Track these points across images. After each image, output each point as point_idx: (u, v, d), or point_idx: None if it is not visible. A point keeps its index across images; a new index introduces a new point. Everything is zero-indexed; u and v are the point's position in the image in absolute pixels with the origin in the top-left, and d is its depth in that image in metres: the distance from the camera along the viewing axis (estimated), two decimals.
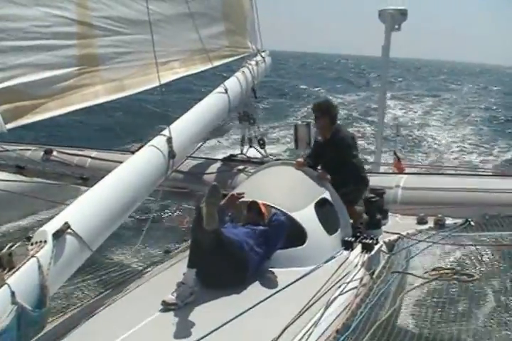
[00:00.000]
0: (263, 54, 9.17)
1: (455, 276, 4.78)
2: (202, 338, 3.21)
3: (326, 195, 5.19)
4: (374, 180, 6.55)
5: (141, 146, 5.03)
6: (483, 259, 5.29)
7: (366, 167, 7.88)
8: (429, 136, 21.09)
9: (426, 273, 4.90)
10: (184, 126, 5.59)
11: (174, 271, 4.14)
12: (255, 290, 3.96)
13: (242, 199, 4.52)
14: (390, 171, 8.57)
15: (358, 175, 5.56)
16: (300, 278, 4.11)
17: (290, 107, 26.78)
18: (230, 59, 8.22)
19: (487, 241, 5.72)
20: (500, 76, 79.08)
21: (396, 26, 9.47)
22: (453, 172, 8.83)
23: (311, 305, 3.73)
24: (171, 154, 4.97)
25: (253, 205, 4.46)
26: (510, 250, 5.58)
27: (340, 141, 5.59)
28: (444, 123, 24.95)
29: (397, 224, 5.79)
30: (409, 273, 4.84)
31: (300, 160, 5.65)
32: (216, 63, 7.48)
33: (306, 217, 4.72)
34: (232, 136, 10.54)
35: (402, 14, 9.46)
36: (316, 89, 36.39)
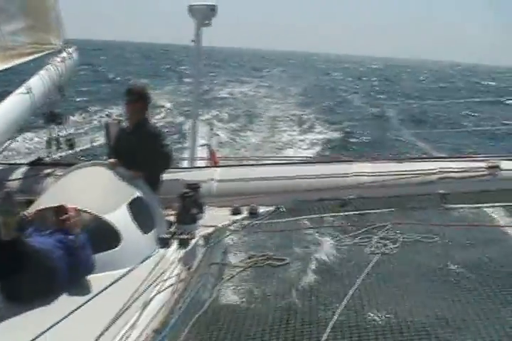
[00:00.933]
0: (70, 50, 8.81)
1: (268, 262, 5.04)
2: None
3: (140, 193, 5.15)
4: (189, 175, 6.66)
5: None
6: (294, 243, 5.61)
7: (181, 162, 7.98)
8: (262, 108, 27.87)
9: (242, 261, 5.10)
10: None
11: None
12: (68, 299, 3.79)
13: (49, 205, 4.32)
14: (205, 165, 8.72)
15: (165, 168, 5.63)
16: (115, 281, 4.03)
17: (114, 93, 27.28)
18: (33, 56, 7.78)
19: (298, 225, 6.07)
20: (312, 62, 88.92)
21: (206, 22, 9.51)
22: (266, 162, 9.22)
23: (128, 307, 3.68)
24: None
25: (61, 210, 4.26)
26: (319, 232, 5.97)
27: (149, 130, 5.58)
28: (270, 99, 32.76)
29: (213, 217, 5.92)
30: (226, 264, 4.99)
31: (113, 160, 5.51)
32: (18, 61, 7.06)
33: (120, 218, 4.63)
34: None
35: (212, 10, 9.49)
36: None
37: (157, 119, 21.01)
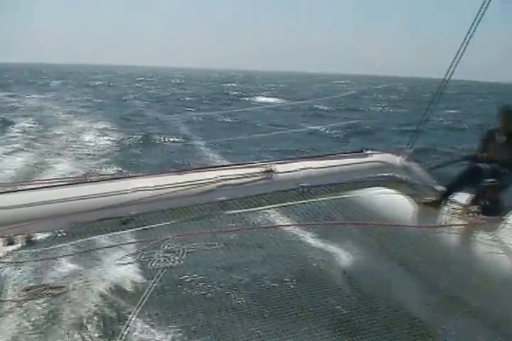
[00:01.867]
0: None
1: (47, 291, 4.78)
2: None
3: None
4: None
5: None
6: (74, 269, 5.39)
7: None
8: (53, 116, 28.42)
9: (18, 295, 4.76)
10: None
11: None
12: None
13: None
14: None
15: None
16: None
17: None
18: None
19: (77, 249, 5.83)
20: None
21: None
22: (41, 185, 8.66)
23: None
24: None
25: None
26: (100, 253, 5.80)
27: None
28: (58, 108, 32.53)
29: None
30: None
31: None
32: None
33: None
34: None
35: None
36: None
37: None
